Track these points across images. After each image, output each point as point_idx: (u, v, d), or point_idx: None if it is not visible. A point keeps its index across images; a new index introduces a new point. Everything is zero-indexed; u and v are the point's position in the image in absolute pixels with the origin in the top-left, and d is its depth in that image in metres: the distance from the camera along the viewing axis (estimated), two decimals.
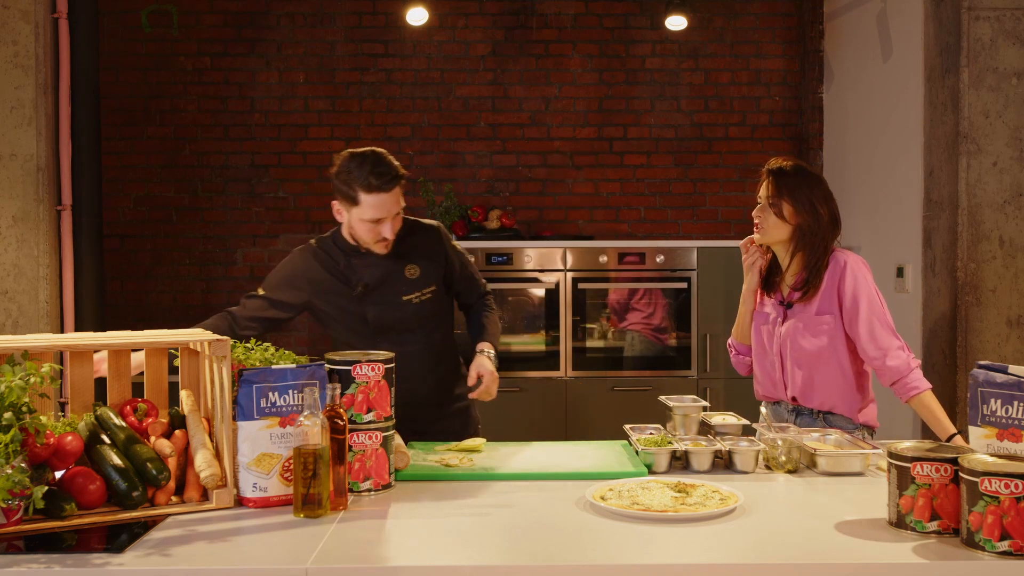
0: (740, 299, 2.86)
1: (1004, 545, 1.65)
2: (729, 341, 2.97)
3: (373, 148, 2.66)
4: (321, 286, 2.78)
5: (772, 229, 2.67)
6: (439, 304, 2.83)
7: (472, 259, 2.97)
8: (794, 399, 2.73)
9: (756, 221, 2.70)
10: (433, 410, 2.81)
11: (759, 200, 2.71)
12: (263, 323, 2.80)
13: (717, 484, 2.10)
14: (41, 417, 1.87)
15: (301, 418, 1.93)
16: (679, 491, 2.06)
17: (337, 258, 2.78)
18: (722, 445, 2.33)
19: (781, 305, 2.73)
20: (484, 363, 2.68)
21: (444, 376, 2.87)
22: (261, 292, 2.81)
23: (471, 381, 2.66)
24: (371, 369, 2.12)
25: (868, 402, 2.71)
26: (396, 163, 2.64)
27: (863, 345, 2.59)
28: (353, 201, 2.63)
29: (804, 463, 2.34)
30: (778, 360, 2.74)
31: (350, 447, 2.08)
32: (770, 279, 2.79)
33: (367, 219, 2.63)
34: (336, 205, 2.71)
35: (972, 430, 1.85)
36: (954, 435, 2.47)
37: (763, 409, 2.55)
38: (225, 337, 2.05)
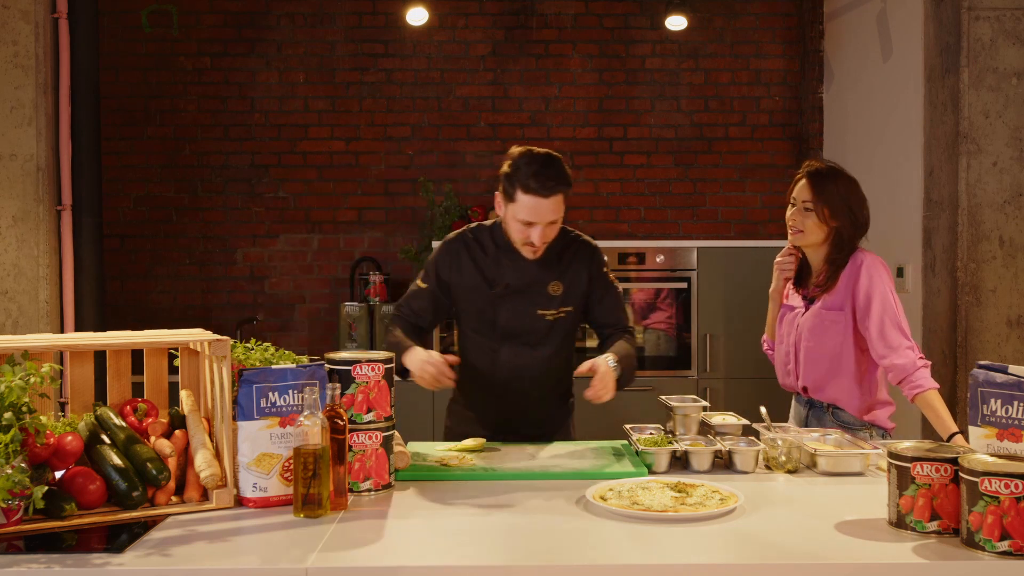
0: (768, 298, 2.93)
1: (1004, 545, 1.65)
2: (763, 337, 3.03)
3: (549, 151, 2.57)
4: (463, 276, 2.71)
5: (811, 232, 2.69)
6: (570, 325, 2.75)
7: (621, 289, 2.84)
8: (804, 390, 2.78)
9: (792, 224, 2.72)
10: (532, 424, 2.73)
11: (793, 202, 2.72)
12: (434, 314, 2.76)
13: (717, 484, 2.10)
14: (41, 417, 1.87)
15: (301, 418, 1.93)
16: (679, 491, 2.07)
17: (487, 250, 2.70)
18: (722, 445, 2.34)
19: (805, 300, 2.79)
20: (599, 362, 2.49)
21: (549, 393, 2.79)
22: (422, 284, 2.75)
23: (581, 370, 2.51)
24: (371, 369, 2.12)
25: (878, 403, 2.74)
26: (566, 172, 2.54)
27: (873, 343, 2.62)
28: (510, 197, 2.55)
29: (804, 463, 2.34)
30: (792, 351, 2.79)
31: (350, 447, 2.08)
32: (800, 276, 2.84)
33: (520, 219, 2.55)
34: (497, 197, 2.63)
35: (972, 430, 1.85)
36: (955, 434, 2.48)
37: (763, 409, 2.56)
38: (225, 337, 2.05)
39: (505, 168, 2.57)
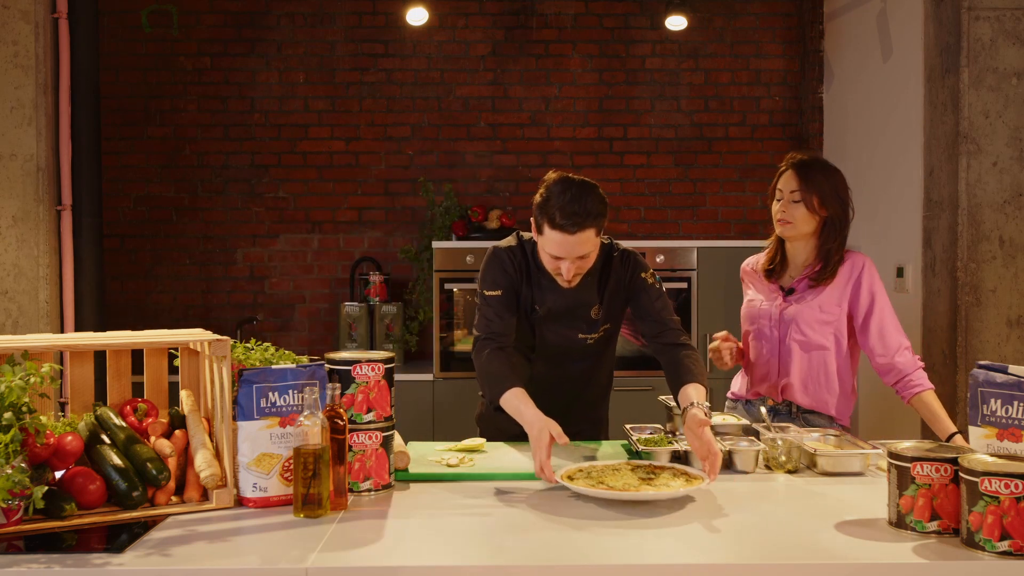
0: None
1: (1004, 545, 1.65)
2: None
3: (585, 180, 2.43)
4: (519, 286, 2.60)
5: (801, 223, 2.64)
6: (610, 338, 2.69)
7: (663, 290, 2.66)
8: (784, 389, 2.73)
9: (780, 216, 2.66)
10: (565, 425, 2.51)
11: (779, 195, 2.68)
12: (514, 318, 2.58)
13: (687, 468, 2.17)
14: (41, 417, 1.87)
15: (301, 418, 1.93)
16: (648, 472, 2.13)
17: (532, 268, 2.59)
18: (722, 445, 2.33)
19: (783, 291, 2.73)
20: (696, 425, 2.18)
21: (583, 402, 2.73)
22: (495, 292, 2.56)
23: (702, 454, 2.14)
24: (371, 369, 2.12)
25: (851, 405, 2.76)
26: (599, 205, 2.39)
27: (872, 343, 2.62)
28: (539, 230, 2.45)
29: (804, 463, 2.34)
30: (777, 345, 2.72)
31: (350, 447, 2.08)
32: (774, 268, 2.77)
33: (548, 252, 2.45)
34: (532, 223, 2.51)
35: (972, 430, 1.85)
36: (954, 434, 2.49)
37: (763, 409, 2.55)
38: (225, 337, 2.05)
39: (537, 197, 2.45)
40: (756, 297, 2.81)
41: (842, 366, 2.69)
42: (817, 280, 2.66)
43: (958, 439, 2.46)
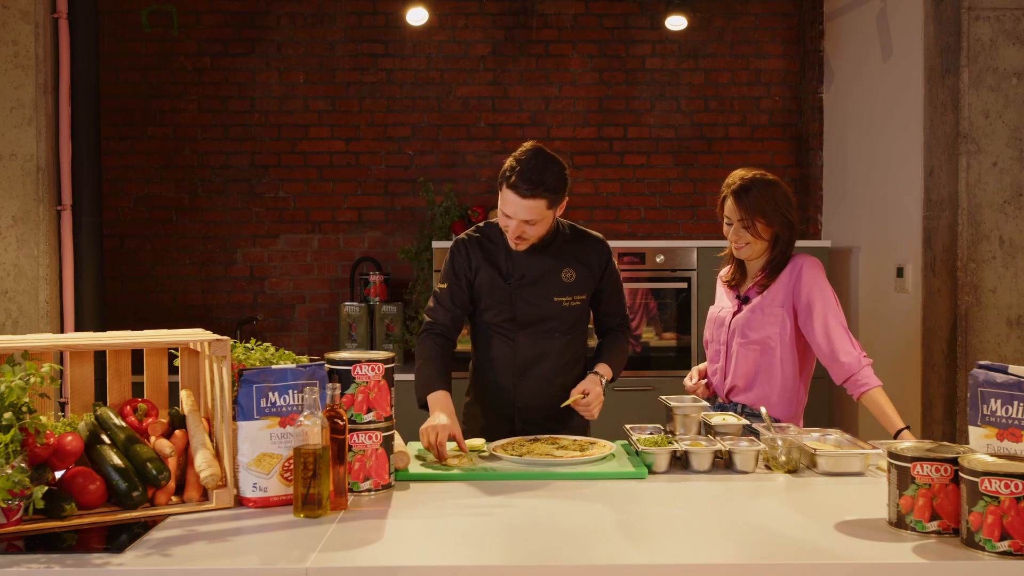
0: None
1: (1004, 545, 1.65)
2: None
3: (555, 156, 2.61)
4: (480, 271, 2.76)
5: (754, 244, 2.75)
6: (583, 313, 2.84)
7: (623, 283, 2.96)
8: (730, 392, 2.81)
9: (735, 242, 2.77)
10: (551, 412, 2.75)
11: (727, 219, 2.77)
12: (461, 312, 2.78)
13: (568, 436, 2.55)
14: (41, 417, 1.87)
15: (301, 418, 1.93)
16: (550, 443, 2.49)
17: (499, 244, 2.76)
18: (722, 445, 2.34)
19: (738, 299, 2.83)
20: (593, 381, 2.68)
21: (567, 381, 2.79)
22: (443, 285, 2.78)
23: (574, 394, 2.66)
24: (371, 369, 2.12)
25: (800, 409, 2.79)
26: (556, 181, 2.56)
27: (817, 341, 2.68)
28: (499, 188, 2.63)
29: (804, 463, 2.34)
30: (724, 349, 2.82)
31: (350, 447, 2.08)
32: (734, 280, 2.89)
33: (502, 210, 2.62)
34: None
35: (972, 430, 1.85)
36: (901, 431, 2.52)
37: (763, 409, 2.56)
38: (225, 337, 2.05)
39: (509, 159, 2.62)
40: (721, 305, 2.92)
41: (786, 363, 2.73)
42: (763, 287, 2.76)
43: (905, 435, 2.52)
